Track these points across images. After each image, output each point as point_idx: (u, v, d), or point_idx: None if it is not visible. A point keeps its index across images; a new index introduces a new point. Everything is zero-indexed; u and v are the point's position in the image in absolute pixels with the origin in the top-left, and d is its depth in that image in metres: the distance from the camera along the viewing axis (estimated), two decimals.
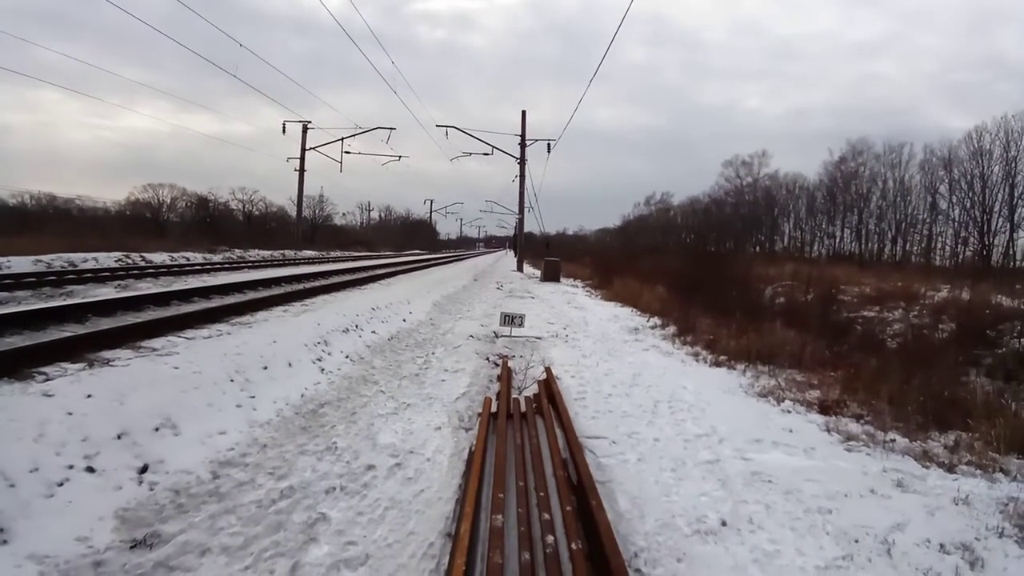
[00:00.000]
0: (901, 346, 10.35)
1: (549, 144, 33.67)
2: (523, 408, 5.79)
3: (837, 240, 54.07)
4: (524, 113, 34.02)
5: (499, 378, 7.19)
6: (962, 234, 43.04)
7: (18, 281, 11.46)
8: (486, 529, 3.27)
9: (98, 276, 13.88)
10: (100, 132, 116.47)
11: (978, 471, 4.73)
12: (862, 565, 3.26)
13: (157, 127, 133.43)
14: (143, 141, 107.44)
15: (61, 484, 3.42)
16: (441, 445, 4.94)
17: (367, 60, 56.32)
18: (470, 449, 4.71)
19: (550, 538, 3.19)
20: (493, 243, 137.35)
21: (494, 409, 5.65)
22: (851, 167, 52.54)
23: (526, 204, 35.73)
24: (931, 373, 7.23)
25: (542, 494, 3.76)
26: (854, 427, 5.80)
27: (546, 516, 3.45)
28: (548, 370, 7.36)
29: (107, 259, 18.66)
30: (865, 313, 15.45)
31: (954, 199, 43.95)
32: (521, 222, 37.52)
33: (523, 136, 33.79)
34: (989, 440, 5.36)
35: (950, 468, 4.79)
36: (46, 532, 3.04)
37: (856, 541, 3.50)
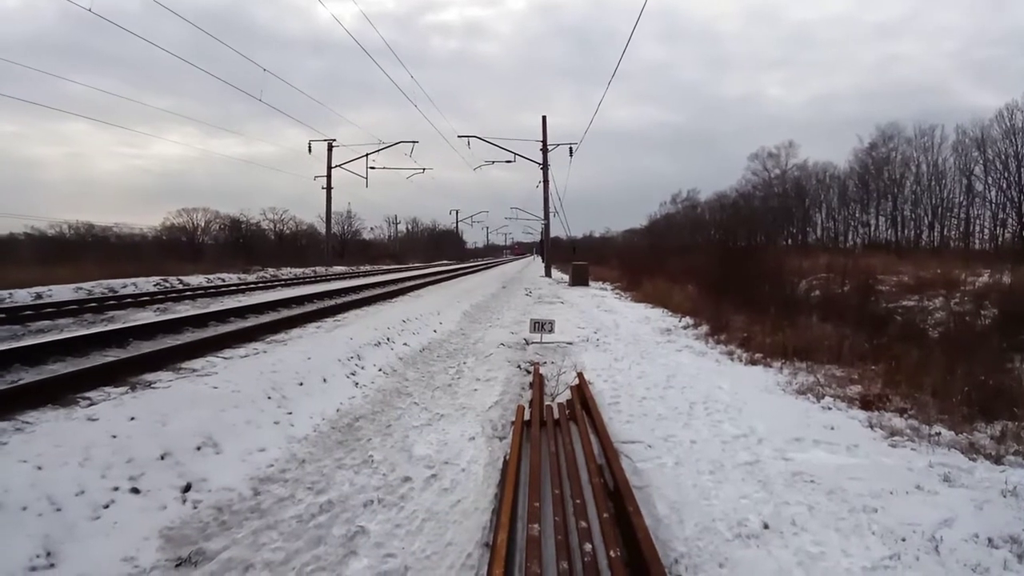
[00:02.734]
0: (943, 335, 10.05)
1: (571, 148, 33.64)
2: (556, 415, 5.77)
3: (872, 229, 52.81)
4: (544, 119, 34.11)
5: (531, 385, 7.18)
6: (1000, 216, 41.77)
7: (60, 309, 11.82)
8: (523, 538, 3.26)
9: (138, 301, 14.27)
10: (131, 161, 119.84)
11: None
12: (910, 564, 3.17)
13: (186, 153, 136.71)
14: (173, 167, 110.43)
15: (107, 506, 3.51)
16: (476, 455, 4.95)
17: (385, 75, 57.28)
18: (504, 458, 4.70)
19: (588, 546, 3.17)
20: (517, 249, 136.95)
21: (527, 417, 5.64)
22: (882, 153, 51.30)
23: (551, 209, 35.74)
24: (975, 362, 7.01)
25: (578, 501, 3.74)
26: (898, 422, 5.65)
27: (583, 524, 3.42)
28: (580, 375, 7.32)
29: (146, 284, 19.12)
30: (904, 303, 15.04)
31: (990, 180, 42.63)
32: (547, 227, 37.55)
33: (544, 142, 33.81)
34: None
35: (997, 459, 4.64)
36: (93, 554, 3.12)
37: (903, 539, 3.40)
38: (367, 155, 39.69)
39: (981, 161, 42.91)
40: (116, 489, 3.67)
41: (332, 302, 14.19)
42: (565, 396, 6.72)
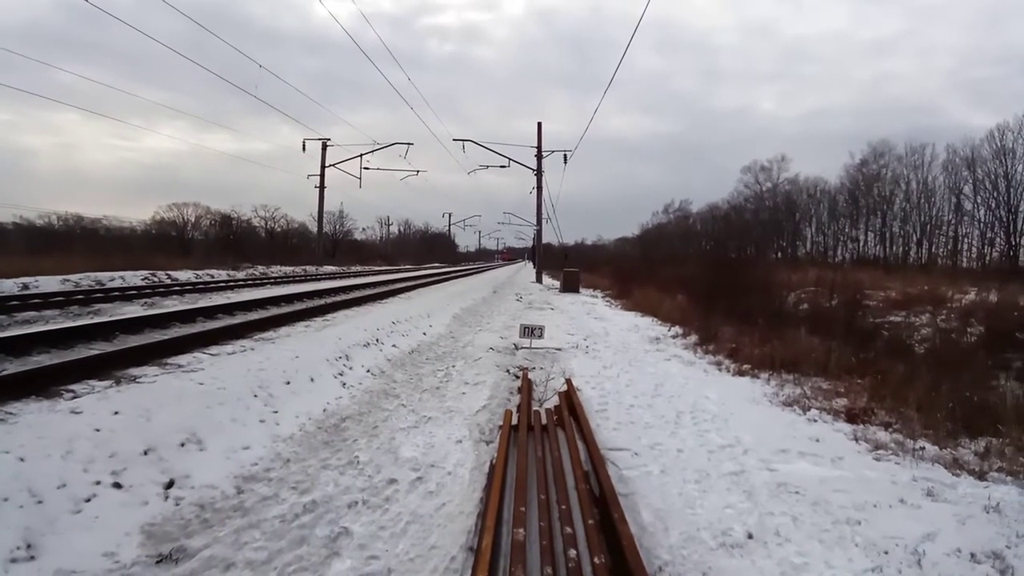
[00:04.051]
0: (929, 351, 10.14)
1: (565, 155, 33.76)
2: (544, 420, 5.77)
3: (861, 244, 53.39)
4: (540, 125, 34.14)
5: (519, 390, 7.17)
6: (988, 235, 42.35)
7: (46, 300, 11.70)
8: (508, 543, 3.26)
9: (125, 294, 14.15)
10: (122, 153, 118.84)
11: (1009, 477, 4.62)
12: None
13: (178, 147, 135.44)
14: (165, 161, 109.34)
15: (88, 500, 3.47)
16: (462, 458, 4.93)
17: (383, 76, 57.15)
18: (491, 462, 4.69)
19: (572, 552, 3.17)
20: (506, 255, 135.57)
21: (515, 422, 5.63)
22: (873, 169, 51.93)
23: (544, 215, 35.81)
24: (960, 378, 7.07)
25: (564, 507, 3.74)
26: (882, 435, 5.68)
27: (568, 530, 3.42)
28: (569, 381, 7.32)
29: (134, 278, 18.96)
30: (891, 318, 15.17)
31: (979, 199, 43.32)
32: (539, 233, 37.56)
33: (539, 148, 33.86)
34: (1020, 445, 5.24)
35: (981, 475, 4.67)
36: (73, 547, 3.09)
37: (886, 552, 3.42)
38: (361, 155, 39.53)
39: (971, 180, 43.58)
40: (98, 483, 3.64)
41: (321, 301, 14.14)
42: (553, 402, 6.72)
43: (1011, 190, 40.17)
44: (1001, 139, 40.83)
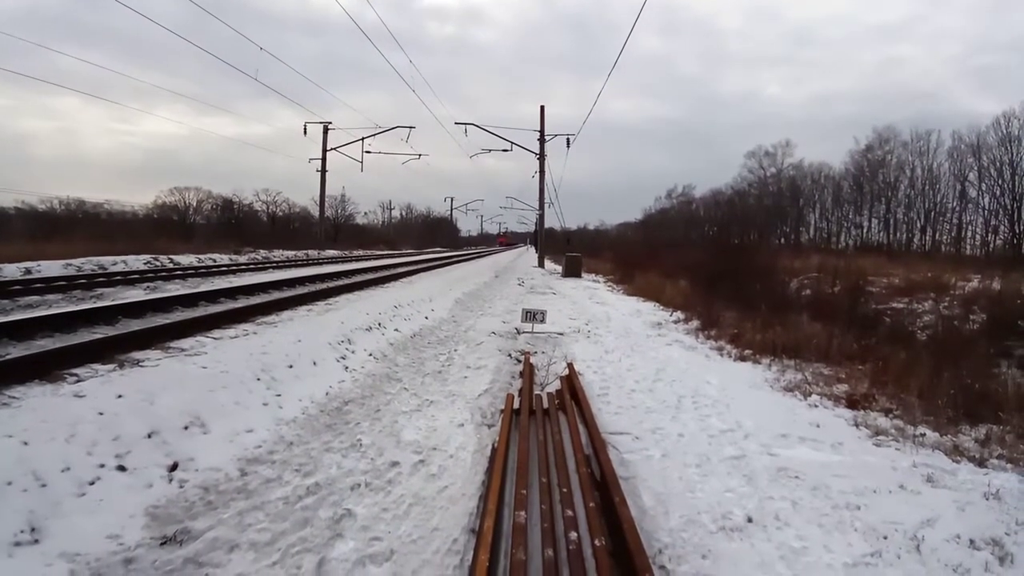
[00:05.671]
0: (931, 338, 10.13)
1: (568, 139, 33.57)
2: (546, 404, 5.79)
3: (865, 230, 53.22)
4: (543, 108, 33.93)
5: (521, 374, 7.19)
6: (992, 222, 42.19)
7: (49, 285, 11.71)
8: (509, 525, 3.28)
9: (127, 279, 14.14)
10: (123, 137, 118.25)
11: (1009, 465, 4.64)
12: (891, 562, 3.21)
13: (178, 131, 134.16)
14: (165, 145, 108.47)
15: (92, 483, 3.49)
16: (464, 442, 4.96)
17: (384, 58, 56.48)
18: (493, 446, 4.72)
19: (573, 534, 3.19)
20: (504, 239, 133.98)
21: (516, 405, 5.66)
22: (878, 155, 51.64)
23: (546, 199, 35.68)
24: (961, 365, 7.07)
25: (565, 490, 3.76)
26: (883, 421, 5.70)
27: (569, 512, 3.44)
28: (570, 366, 7.34)
29: (136, 262, 18.96)
30: (894, 305, 15.16)
31: (983, 187, 43.12)
32: (541, 218, 37.47)
33: (542, 132, 33.67)
34: (1021, 433, 5.26)
35: (981, 462, 4.69)
36: (77, 530, 3.11)
37: (885, 537, 3.44)
38: (363, 139, 39.24)
39: (976, 167, 43.36)
40: (102, 466, 3.66)
41: (324, 285, 14.13)
42: (555, 386, 6.74)
43: (1016, 178, 39.97)
44: (1007, 126, 40.61)
